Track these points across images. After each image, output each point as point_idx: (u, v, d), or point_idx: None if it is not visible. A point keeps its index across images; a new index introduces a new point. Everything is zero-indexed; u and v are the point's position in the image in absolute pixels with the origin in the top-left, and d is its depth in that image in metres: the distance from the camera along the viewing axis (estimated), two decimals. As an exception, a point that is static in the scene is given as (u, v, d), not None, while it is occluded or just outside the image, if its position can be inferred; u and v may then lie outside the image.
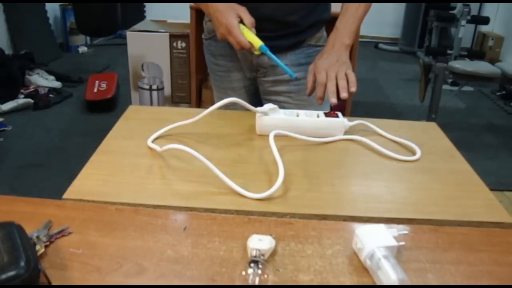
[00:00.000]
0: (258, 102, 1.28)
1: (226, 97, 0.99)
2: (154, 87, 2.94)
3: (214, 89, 1.39)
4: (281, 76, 1.25)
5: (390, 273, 0.57)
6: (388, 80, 4.41)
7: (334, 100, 0.96)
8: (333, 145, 1.01)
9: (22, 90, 3.44)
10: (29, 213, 0.70)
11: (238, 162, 0.91)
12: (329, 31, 1.13)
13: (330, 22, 1.17)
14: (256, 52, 1.06)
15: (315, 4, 1.20)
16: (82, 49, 4.90)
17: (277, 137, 0.95)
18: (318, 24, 1.24)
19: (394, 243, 0.62)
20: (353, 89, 0.98)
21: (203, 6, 1.13)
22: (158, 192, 0.79)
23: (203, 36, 1.32)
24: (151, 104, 2.97)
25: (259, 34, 1.06)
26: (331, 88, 0.98)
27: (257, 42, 1.04)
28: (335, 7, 1.22)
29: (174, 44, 2.82)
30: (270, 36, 1.08)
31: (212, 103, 1.02)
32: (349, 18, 1.08)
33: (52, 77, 3.74)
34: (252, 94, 1.34)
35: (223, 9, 1.05)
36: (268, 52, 1.04)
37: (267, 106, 1.01)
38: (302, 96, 1.25)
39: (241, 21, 1.05)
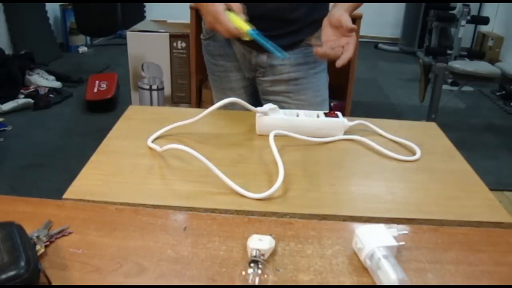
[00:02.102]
0: (257, 102, 1.28)
1: (225, 97, 0.99)
2: (154, 87, 2.94)
3: (213, 89, 1.39)
4: (280, 76, 1.25)
5: (390, 273, 0.57)
6: (388, 80, 4.41)
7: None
8: (333, 145, 1.01)
9: (22, 90, 3.44)
10: (29, 213, 0.70)
11: (238, 162, 0.91)
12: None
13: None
14: (246, 38, 1.03)
15: (314, 3, 1.20)
16: (82, 49, 4.91)
17: (277, 137, 0.95)
18: (316, 23, 1.23)
19: (394, 243, 0.62)
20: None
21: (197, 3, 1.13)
22: (158, 192, 0.79)
23: (201, 37, 1.32)
24: (151, 104, 2.96)
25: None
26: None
27: (245, 27, 1.01)
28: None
29: (174, 44, 2.82)
30: (269, 35, 1.08)
31: (212, 103, 1.02)
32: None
33: (52, 77, 3.74)
34: (251, 94, 1.34)
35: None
36: (256, 36, 1.01)
37: (267, 106, 1.01)
38: (301, 96, 1.25)
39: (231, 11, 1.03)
